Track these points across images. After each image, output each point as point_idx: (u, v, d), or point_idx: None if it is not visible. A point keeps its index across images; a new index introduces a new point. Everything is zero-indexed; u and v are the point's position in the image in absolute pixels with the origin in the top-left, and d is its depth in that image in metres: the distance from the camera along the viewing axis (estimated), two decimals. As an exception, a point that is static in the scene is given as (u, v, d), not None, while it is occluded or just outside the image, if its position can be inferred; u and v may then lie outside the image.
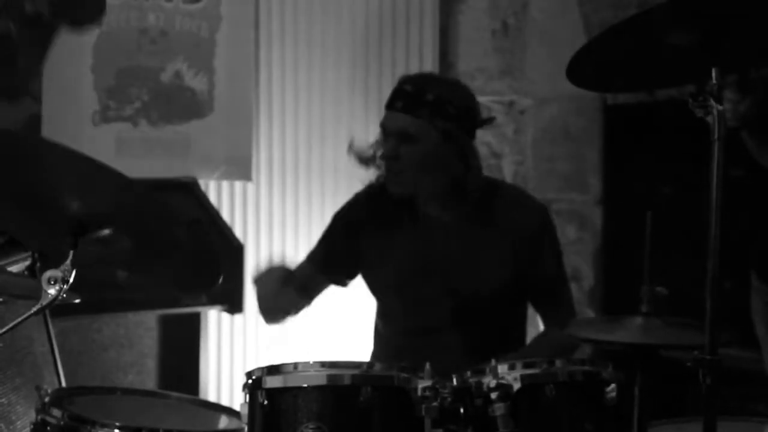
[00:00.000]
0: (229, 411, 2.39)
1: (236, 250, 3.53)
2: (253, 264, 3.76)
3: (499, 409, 1.99)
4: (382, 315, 2.84)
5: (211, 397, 3.61)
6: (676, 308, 2.17)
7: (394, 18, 4.01)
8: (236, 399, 3.35)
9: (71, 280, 1.87)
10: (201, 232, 2.50)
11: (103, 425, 2.10)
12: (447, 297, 2.71)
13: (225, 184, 3.79)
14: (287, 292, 2.74)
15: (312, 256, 2.86)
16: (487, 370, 2.04)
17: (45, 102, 3.50)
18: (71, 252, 1.89)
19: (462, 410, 2.02)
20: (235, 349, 3.77)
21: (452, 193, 2.70)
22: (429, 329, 2.71)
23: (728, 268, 1.86)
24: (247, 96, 3.75)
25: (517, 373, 2.04)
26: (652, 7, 1.82)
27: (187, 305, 3.41)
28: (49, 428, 2.13)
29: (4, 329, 1.88)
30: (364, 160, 2.76)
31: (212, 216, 3.60)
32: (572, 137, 3.91)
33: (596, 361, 2.11)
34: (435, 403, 1.97)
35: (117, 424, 2.11)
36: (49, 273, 1.87)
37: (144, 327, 3.50)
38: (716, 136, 1.81)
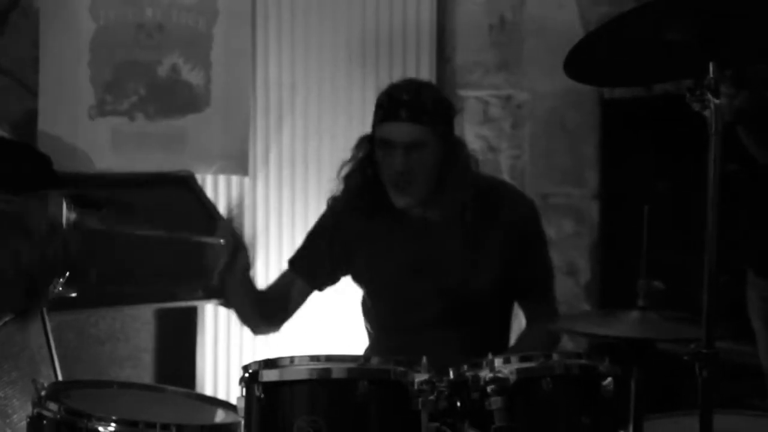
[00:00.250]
0: (226, 405, 2.40)
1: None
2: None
3: (495, 402, 1.99)
4: (370, 315, 2.83)
5: (208, 391, 3.61)
6: (672, 303, 2.17)
7: (390, 12, 4.00)
8: (233, 393, 3.36)
9: (67, 274, 1.87)
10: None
11: (100, 419, 2.10)
12: (436, 296, 2.71)
13: (221, 178, 3.79)
14: (256, 296, 2.72)
15: (293, 262, 2.85)
16: (484, 363, 2.05)
17: (41, 96, 3.49)
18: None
19: (458, 404, 2.02)
20: (232, 343, 3.77)
21: (443, 193, 2.70)
22: (418, 328, 2.70)
23: (724, 262, 1.86)
24: (244, 90, 3.74)
25: (514, 366, 2.04)
26: (648, 2, 1.82)
27: (184, 299, 3.41)
28: (45, 422, 2.14)
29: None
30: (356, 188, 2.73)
31: (209, 210, 3.59)
32: (569, 131, 3.91)
33: (593, 354, 2.12)
34: (431, 397, 1.98)
35: (113, 417, 2.11)
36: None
37: (140, 321, 3.50)
38: (713, 131, 1.81)
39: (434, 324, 2.70)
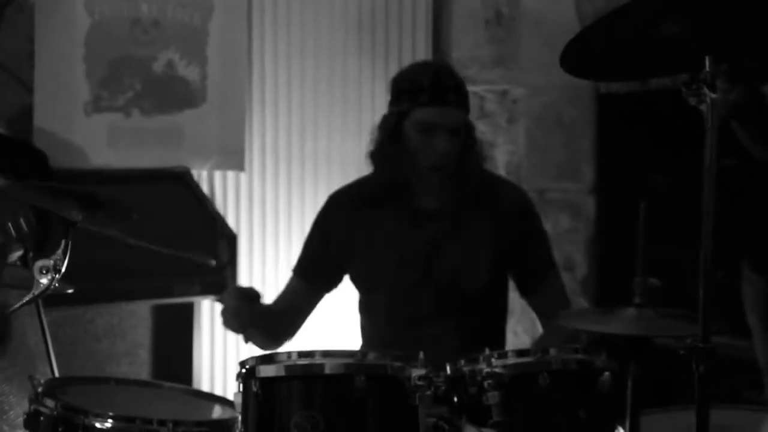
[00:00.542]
0: (223, 400, 2.40)
1: (229, 240, 3.53)
2: (246, 254, 3.78)
3: (492, 397, 1.99)
4: (367, 309, 2.83)
5: (205, 387, 3.61)
6: (668, 299, 2.17)
7: (387, 7, 4.00)
8: (230, 388, 3.35)
9: (63, 269, 1.87)
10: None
11: (97, 415, 2.10)
12: (431, 288, 2.70)
13: (218, 174, 3.78)
14: (260, 313, 2.65)
15: (295, 268, 2.85)
16: (481, 358, 2.05)
17: (37, 92, 3.48)
18: (63, 241, 1.88)
19: (456, 399, 2.02)
20: (229, 339, 3.77)
21: (452, 183, 2.70)
22: (414, 321, 2.70)
23: (721, 258, 1.86)
24: (240, 85, 3.74)
25: (511, 361, 2.04)
26: (645, -4, 1.82)
27: (181, 295, 3.41)
28: (42, 418, 2.13)
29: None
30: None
31: (205, 206, 3.60)
32: (565, 126, 3.91)
33: (590, 349, 2.12)
34: (429, 392, 1.98)
35: (110, 414, 2.11)
36: (41, 263, 1.88)
37: (137, 317, 3.50)
38: (710, 125, 1.81)
39: (432, 317, 2.69)
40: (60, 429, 2.11)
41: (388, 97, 2.76)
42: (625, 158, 3.85)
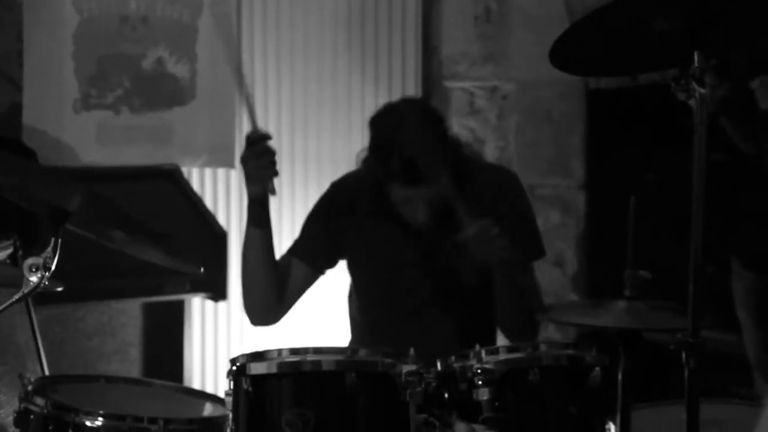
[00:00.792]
0: (214, 398, 2.39)
1: (219, 238, 3.52)
2: (236, 251, 3.77)
3: (483, 393, 2.00)
4: (359, 298, 2.82)
5: (196, 385, 3.61)
6: (659, 292, 2.18)
7: (376, 4, 4.00)
8: (220, 386, 3.34)
9: (53, 267, 1.87)
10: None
11: (87, 413, 2.10)
12: (427, 279, 2.70)
13: (208, 171, 3.78)
14: (271, 266, 2.65)
15: (294, 249, 2.84)
16: (471, 354, 2.05)
17: (26, 89, 3.47)
18: (53, 239, 1.88)
19: (446, 395, 2.03)
20: (219, 336, 3.76)
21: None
22: (411, 312, 2.70)
23: (710, 253, 1.86)
24: (229, 83, 3.73)
25: (501, 357, 2.04)
26: (634, -9, 1.82)
27: (171, 293, 3.40)
28: (32, 417, 2.13)
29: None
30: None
31: (195, 204, 3.59)
32: (555, 122, 3.92)
33: (580, 344, 2.12)
34: (419, 389, 1.98)
35: (101, 412, 2.10)
36: (30, 260, 1.87)
37: (127, 315, 3.49)
38: (699, 120, 1.81)
39: (426, 308, 2.69)
40: (50, 427, 2.10)
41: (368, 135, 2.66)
42: (615, 154, 3.85)
